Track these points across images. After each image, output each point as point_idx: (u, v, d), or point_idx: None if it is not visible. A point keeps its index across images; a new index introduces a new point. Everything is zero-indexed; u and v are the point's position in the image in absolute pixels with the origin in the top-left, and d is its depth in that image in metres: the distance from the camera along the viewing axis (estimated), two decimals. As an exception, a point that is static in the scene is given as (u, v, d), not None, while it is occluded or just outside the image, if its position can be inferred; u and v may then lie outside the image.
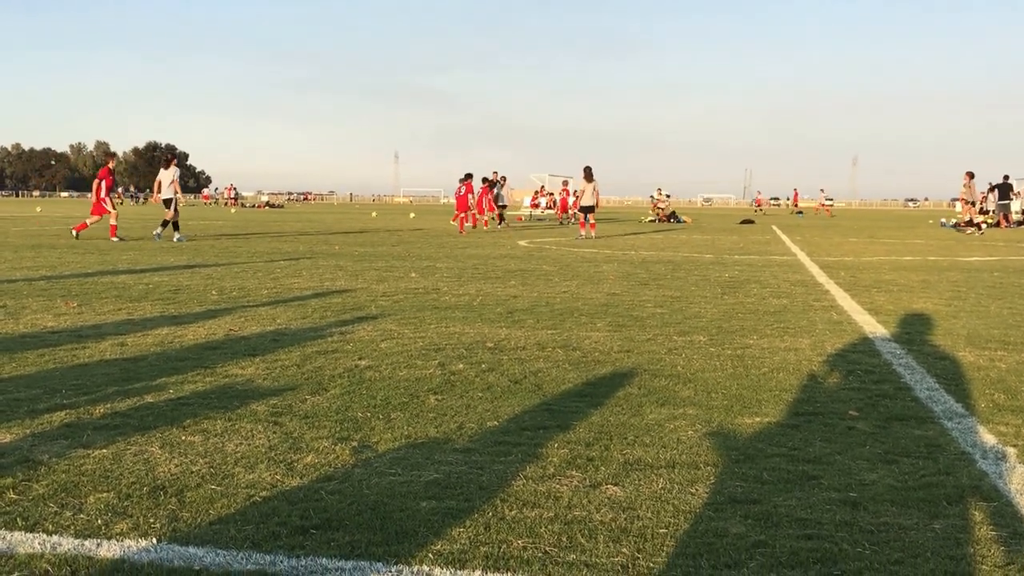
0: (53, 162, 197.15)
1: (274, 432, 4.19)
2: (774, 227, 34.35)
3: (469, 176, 28.58)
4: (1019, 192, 37.50)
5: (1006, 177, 34.68)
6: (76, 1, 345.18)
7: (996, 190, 34.32)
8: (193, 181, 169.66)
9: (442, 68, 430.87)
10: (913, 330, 7.51)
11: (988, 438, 4.20)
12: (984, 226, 29.56)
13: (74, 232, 20.27)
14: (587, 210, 23.96)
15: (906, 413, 4.64)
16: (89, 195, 28.65)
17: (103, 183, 20.02)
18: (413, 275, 12.16)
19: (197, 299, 9.21)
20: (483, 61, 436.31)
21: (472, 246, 19.45)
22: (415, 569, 2.72)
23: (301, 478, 3.54)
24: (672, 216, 40.72)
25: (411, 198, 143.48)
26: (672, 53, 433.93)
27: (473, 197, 28.66)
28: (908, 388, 5.24)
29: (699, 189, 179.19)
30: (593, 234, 23.61)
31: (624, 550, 2.87)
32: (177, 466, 3.67)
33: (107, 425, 4.26)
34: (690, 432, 4.26)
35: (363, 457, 3.82)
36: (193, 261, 14.33)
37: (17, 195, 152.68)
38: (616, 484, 3.50)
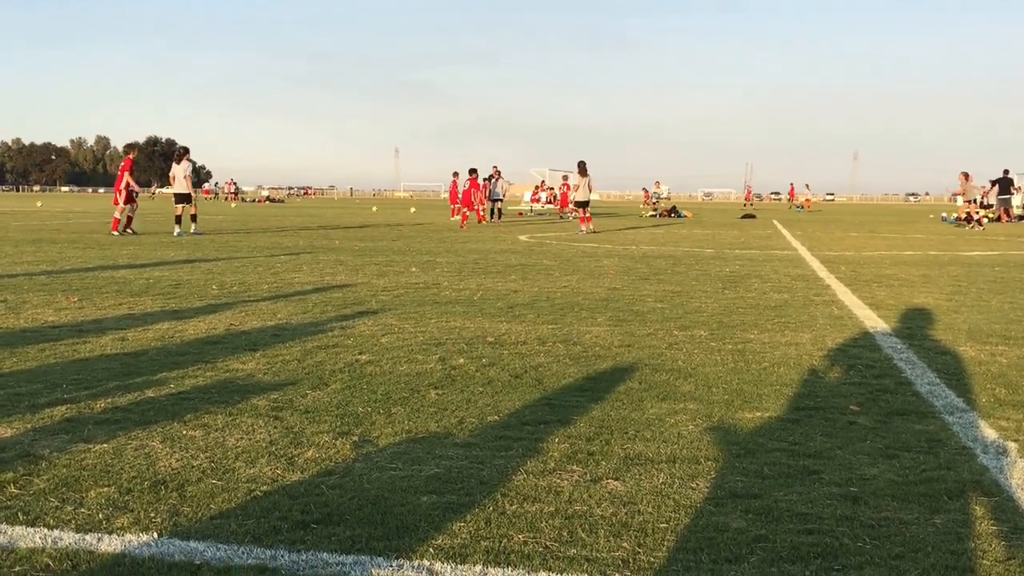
0: (53, 157, 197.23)
1: (275, 427, 4.19)
2: (775, 222, 34.33)
3: (473, 171, 28.52)
4: (1020, 187, 37.48)
5: (1006, 171, 34.66)
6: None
7: (996, 185, 34.29)
8: (194, 176, 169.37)
9: (442, 65, 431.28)
10: (914, 325, 7.51)
11: (989, 433, 4.20)
12: (985, 220, 29.55)
13: (114, 233, 19.67)
14: (582, 204, 24.13)
15: (907, 408, 4.64)
16: (106, 190, 28.58)
17: (127, 175, 20.16)
18: (414, 270, 12.16)
19: (198, 294, 9.21)
20: (483, 58, 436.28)
21: (472, 241, 19.44)
22: (416, 564, 2.72)
23: (302, 473, 3.54)
24: (673, 211, 40.71)
25: (411, 193, 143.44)
26: (672, 49, 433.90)
27: (476, 193, 28.59)
28: (909, 383, 5.24)
29: (699, 184, 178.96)
30: (592, 227, 23.71)
31: (625, 545, 2.87)
32: (178, 461, 3.68)
33: (108, 420, 4.26)
34: (691, 427, 4.26)
35: (364, 452, 3.82)
36: (193, 256, 14.32)
37: (17, 190, 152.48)
38: (617, 479, 3.50)
